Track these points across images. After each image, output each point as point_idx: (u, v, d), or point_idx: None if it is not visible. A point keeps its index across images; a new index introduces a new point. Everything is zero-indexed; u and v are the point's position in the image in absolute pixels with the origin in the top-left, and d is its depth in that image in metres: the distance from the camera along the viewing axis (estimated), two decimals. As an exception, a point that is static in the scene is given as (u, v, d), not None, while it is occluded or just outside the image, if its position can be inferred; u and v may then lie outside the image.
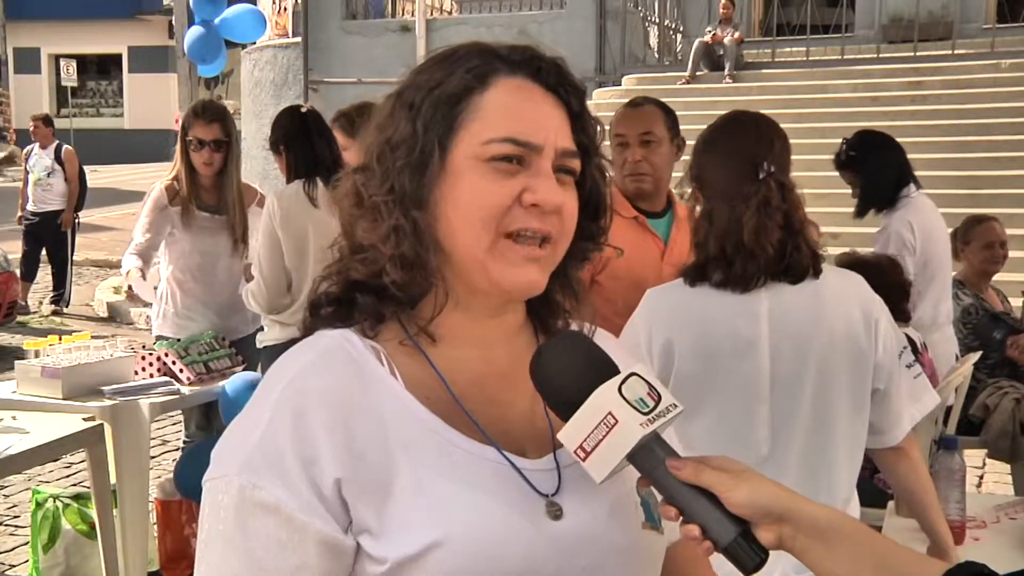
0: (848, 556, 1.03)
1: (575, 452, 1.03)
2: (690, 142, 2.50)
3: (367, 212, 1.12)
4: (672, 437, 1.14)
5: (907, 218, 4.23)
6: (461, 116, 1.10)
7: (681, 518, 1.04)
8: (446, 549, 1.03)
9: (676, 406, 1.04)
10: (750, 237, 2.11)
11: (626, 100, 3.31)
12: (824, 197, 8.57)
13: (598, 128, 1.18)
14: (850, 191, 4.55)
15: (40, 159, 9.99)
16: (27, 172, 10.07)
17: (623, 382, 1.03)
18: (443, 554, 1.03)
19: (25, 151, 10.34)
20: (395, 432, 1.06)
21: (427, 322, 1.13)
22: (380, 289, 1.12)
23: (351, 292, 1.14)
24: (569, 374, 1.05)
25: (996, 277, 4.96)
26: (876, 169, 4.34)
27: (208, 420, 4.42)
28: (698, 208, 2.25)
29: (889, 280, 3.60)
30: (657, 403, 1.03)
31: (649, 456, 1.04)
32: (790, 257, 2.14)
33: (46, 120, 10.49)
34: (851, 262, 3.66)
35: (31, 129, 10.36)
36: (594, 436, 1.02)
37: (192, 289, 4.36)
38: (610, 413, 1.01)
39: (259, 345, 4.11)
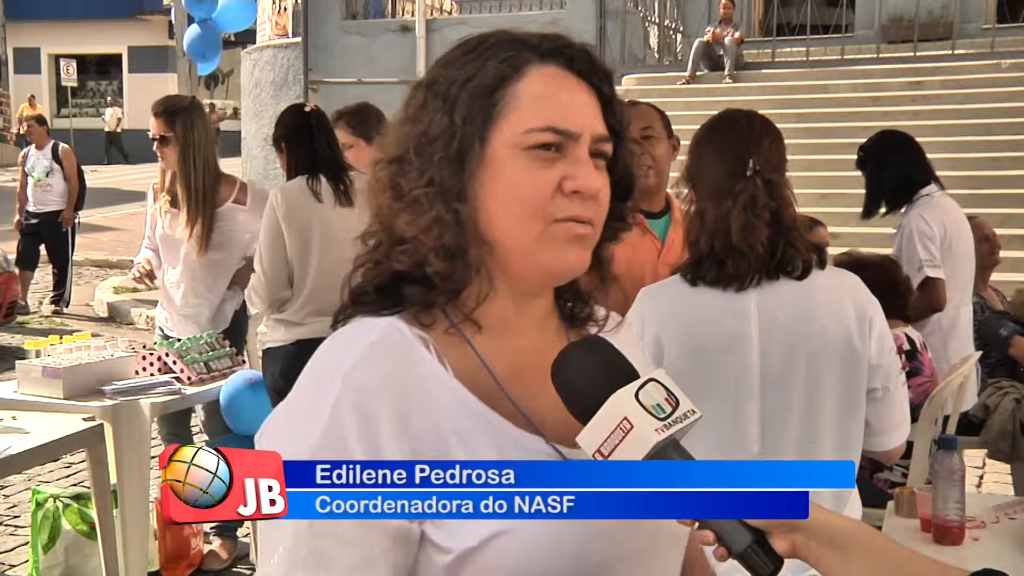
0: (864, 564, 1.03)
1: (593, 455, 1.04)
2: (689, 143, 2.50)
3: (408, 205, 1.12)
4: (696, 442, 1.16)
5: (921, 213, 4.17)
6: (498, 106, 1.12)
7: (697, 523, 1.05)
8: (509, 538, 1.05)
9: (694, 412, 1.06)
10: (738, 236, 2.12)
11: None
12: (825, 197, 8.59)
13: (626, 111, 1.21)
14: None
15: (38, 160, 9.94)
16: (25, 175, 10.02)
17: (640, 388, 1.04)
18: (506, 542, 1.05)
19: (21, 154, 10.28)
20: (449, 422, 1.08)
21: (472, 310, 1.14)
22: (424, 279, 1.14)
23: (395, 283, 1.15)
24: (588, 379, 1.07)
25: (995, 277, 4.97)
26: (877, 170, 4.31)
27: (216, 421, 4.43)
28: (692, 207, 2.26)
29: (888, 280, 3.61)
30: (675, 409, 1.04)
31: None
32: (783, 255, 2.14)
33: (39, 120, 10.48)
34: (849, 262, 3.66)
35: (25, 130, 10.32)
36: (611, 441, 1.03)
37: (164, 283, 4.43)
38: (625, 418, 1.03)
39: (261, 347, 4.10)
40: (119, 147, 26.43)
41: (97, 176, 21.25)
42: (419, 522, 1.07)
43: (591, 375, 1.07)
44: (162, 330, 4.46)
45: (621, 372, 1.08)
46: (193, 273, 4.31)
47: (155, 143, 4.25)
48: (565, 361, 1.09)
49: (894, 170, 4.28)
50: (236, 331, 4.41)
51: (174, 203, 4.30)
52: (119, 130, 26.83)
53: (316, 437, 1.06)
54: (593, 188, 1.12)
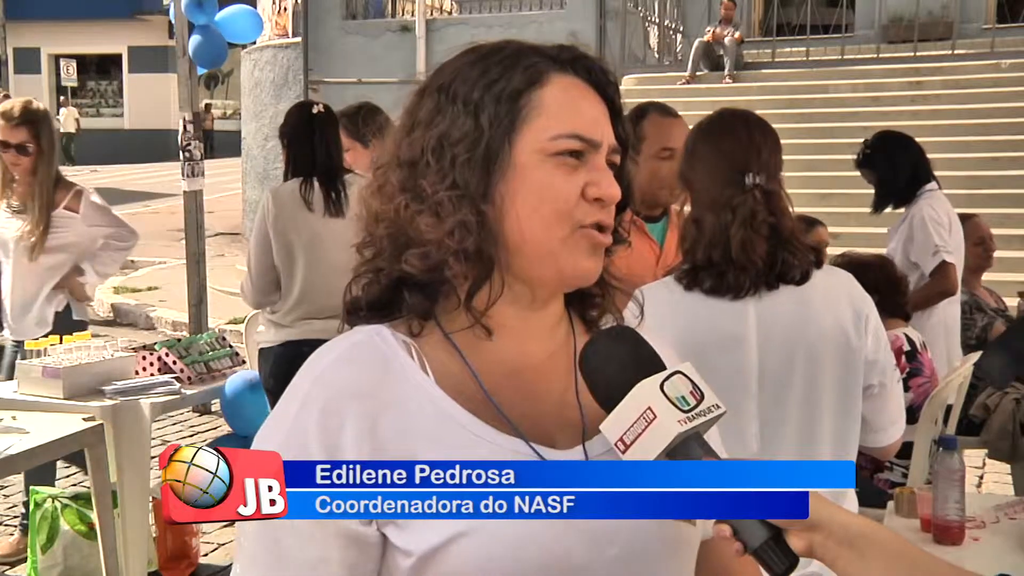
0: (880, 565, 1.03)
1: (616, 444, 1.05)
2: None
3: (430, 208, 1.12)
4: (715, 439, 1.18)
5: (929, 203, 4.34)
6: (524, 111, 1.13)
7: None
8: (471, 539, 1.05)
9: (718, 407, 1.06)
10: (737, 250, 2.12)
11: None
12: (825, 197, 8.58)
13: (630, 125, 1.23)
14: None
15: None
16: None
17: (666, 379, 1.05)
18: (468, 543, 1.05)
19: None
20: (420, 425, 1.08)
21: (480, 314, 1.15)
22: (427, 285, 1.14)
23: (395, 291, 1.16)
24: (616, 368, 1.08)
25: (991, 276, 4.99)
26: (889, 167, 4.45)
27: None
28: (686, 208, 2.25)
29: (887, 279, 3.60)
30: (699, 402, 1.05)
31: (687, 454, 1.05)
32: (782, 266, 2.14)
33: None
34: (848, 263, 3.66)
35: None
36: (633, 430, 1.04)
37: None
38: (649, 408, 1.03)
39: (256, 347, 4.11)
40: (66, 150, 23.73)
41: (97, 176, 21.26)
42: (379, 526, 1.07)
43: (618, 364, 1.08)
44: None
45: (647, 362, 1.08)
46: (23, 276, 4.32)
47: (11, 151, 4.24)
48: (593, 349, 1.10)
49: (905, 167, 4.45)
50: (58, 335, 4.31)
51: (9, 206, 4.31)
52: (77, 131, 25.77)
53: (283, 433, 1.09)
54: (614, 195, 1.14)
